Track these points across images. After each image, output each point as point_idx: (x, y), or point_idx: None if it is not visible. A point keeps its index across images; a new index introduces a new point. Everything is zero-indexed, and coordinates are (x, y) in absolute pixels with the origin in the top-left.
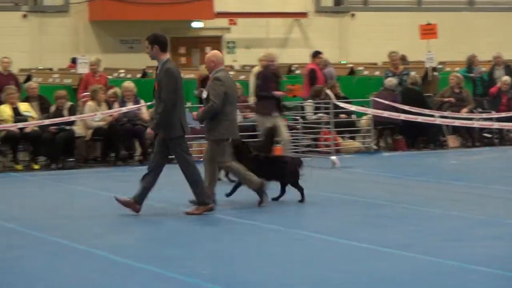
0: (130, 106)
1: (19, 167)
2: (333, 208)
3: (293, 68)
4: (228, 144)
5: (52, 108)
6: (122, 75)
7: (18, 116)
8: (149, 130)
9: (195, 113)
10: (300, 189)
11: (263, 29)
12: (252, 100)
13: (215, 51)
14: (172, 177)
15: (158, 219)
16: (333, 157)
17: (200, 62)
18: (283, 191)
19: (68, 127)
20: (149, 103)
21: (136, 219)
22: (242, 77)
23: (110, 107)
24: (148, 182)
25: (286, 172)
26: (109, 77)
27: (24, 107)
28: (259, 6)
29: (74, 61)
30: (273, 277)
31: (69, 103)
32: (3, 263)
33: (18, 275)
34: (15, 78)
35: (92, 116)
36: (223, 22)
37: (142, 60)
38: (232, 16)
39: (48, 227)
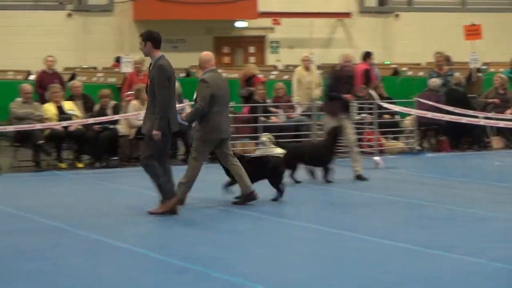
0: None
1: (63, 165)
2: (376, 208)
3: (336, 69)
4: (207, 144)
5: (96, 107)
6: None
7: (62, 114)
8: (155, 132)
9: (184, 114)
10: (281, 190)
11: (306, 29)
12: (296, 99)
13: (206, 52)
14: (211, 176)
15: (200, 219)
16: (377, 158)
17: (243, 62)
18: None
19: (111, 126)
20: (192, 102)
21: (178, 219)
22: (285, 77)
23: None
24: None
25: (268, 172)
26: None
27: (68, 105)
28: (302, 6)
29: (118, 60)
30: (317, 278)
31: (113, 102)
32: (47, 261)
33: (61, 273)
34: (59, 77)
35: (136, 115)
36: (266, 22)
37: (186, 60)
38: (275, 16)
39: (91, 225)
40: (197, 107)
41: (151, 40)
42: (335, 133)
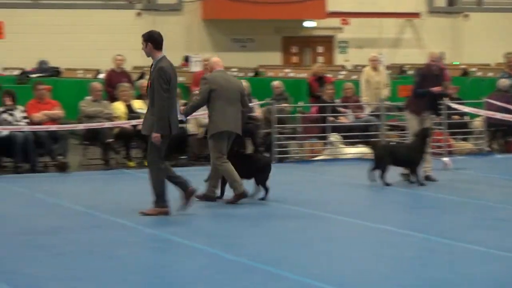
0: None
1: (131, 164)
2: (446, 210)
3: (405, 69)
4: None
5: None
6: (234, 73)
7: (131, 113)
8: (154, 135)
9: (182, 107)
10: (266, 189)
11: (375, 29)
12: (364, 100)
13: (216, 58)
14: (288, 177)
15: (267, 219)
16: (445, 159)
17: (311, 62)
18: (264, 189)
19: (180, 125)
20: (261, 101)
21: (247, 218)
22: (354, 77)
23: None
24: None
25: (255, 170)
26: None
27: (137, 104)
28: (372, 6)
29: (186, 59)
30: (386, 278)
31: (182, 101)
32: (117, 259)
33: (132, 271)
34: (128, 76)
35: (204, 114)
36: (335, 21)
37: (254, 59)
38: (344, 15)
39: (160, 223)
40: (193, 100)
41: (151, 41)
42: (424, 135)
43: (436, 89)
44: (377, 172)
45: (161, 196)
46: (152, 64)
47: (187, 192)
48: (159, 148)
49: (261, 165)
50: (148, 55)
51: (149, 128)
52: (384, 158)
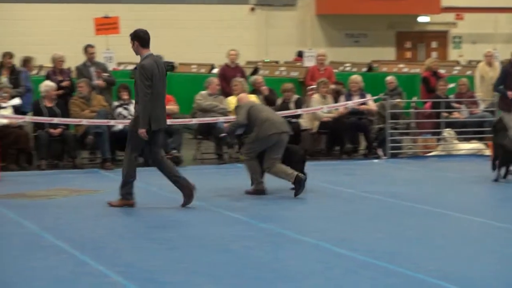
0: (356, 100)
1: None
2: None
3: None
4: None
5: (279, 101)
6: (347, 68)
7: None
8: (140, 131)
9: (226, 124)
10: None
11: (490, 24)
12: (479, 95)
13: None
14: (401, 172)
15: (381, 213)
16: None
17: (425, 57)
18: None
19: (294, 120)
20: (375, 97)
21: (359, 212)
22: (468, 72)
23: (336, 101)
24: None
25: (293, 161)
26: (335, 70)
27: (251, 99)
28: (486, 1)
29: (299, 54)
30: (502, 277)
31: (295, 96)
32: (231, 253)
33: (247, 265)
34: (241, 71)
35: (319, 109)
36: (449, 16)
37: (368, 54)
38: (459, 11)
39: (272, 218)
40: (233, 121)
41: (137, 39)
42: None
43: (510, 94)
44: (502, 170)
45: (126, 186)
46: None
47: (186, 191)
48: (138, 142)
49: (298, 157)
50: (136, 53)
51: (133, 125)
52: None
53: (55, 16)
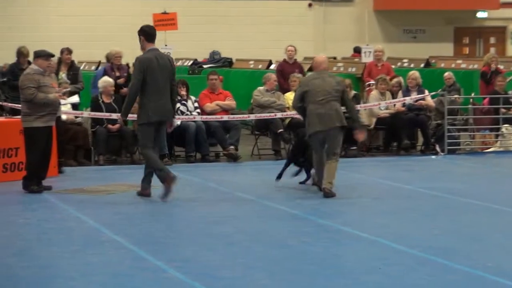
0: (414, 96)
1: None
2: None
3: None
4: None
5: None
6: (405, 64)
7: None
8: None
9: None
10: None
11: None
12: None
13: (320, 57)
14: (459, 169)
15: (442, 211)
16: None
17: (484, 53)
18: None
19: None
20: (433, 93)
21: (419, 210)
22: None
23: (393, 97)
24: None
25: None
26: (393, 66)
27: None
28: None
29: (357, 50)
30: None
31: (353, 92)
32: (289, 249)
33: (305, 260)
34: (300, 66)
35: (376, 105)
36: (508, 12)
37: (425, 50)
38: None
39: (331, 214)
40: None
41: (142, 34)
42: None
43: None
44: None
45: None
46: None
47: (167, 180)
48: (143, 135)
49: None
50: (142, 47)
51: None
52: None
53: (114, 11)
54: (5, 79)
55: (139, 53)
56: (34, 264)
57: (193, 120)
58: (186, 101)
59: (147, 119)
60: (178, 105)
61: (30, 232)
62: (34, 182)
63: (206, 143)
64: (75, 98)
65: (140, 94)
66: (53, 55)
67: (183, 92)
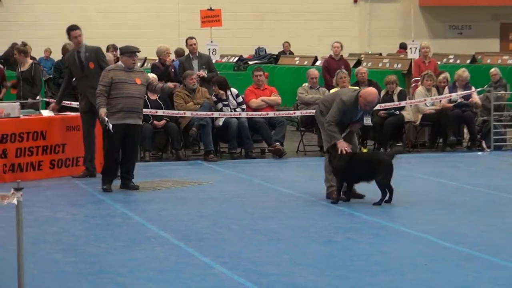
0: (460, 92)
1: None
2: None
3: None
4: None
5: (382, 93)
6: (451, 60)
7: None
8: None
9: None
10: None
11: None
12: None
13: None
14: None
15: (488, 207)
16: None
17: None
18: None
19: (397, 112)
20: (479, 89)
21: (464, 206)
22: None
23: (439, 93)
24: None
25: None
26: (438, 62)
27: None
28: None
29: (402, 46)
30: None
31: (399, 88)
32: (335, 245)
33: (350, 257)
34: (346, 63)
35: (422, 101)
36: None
37: (471, 46)
38: None
39: (376, 210)
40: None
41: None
42: None
43: None
44: None
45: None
46: None
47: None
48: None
49: (383, 166)
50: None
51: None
52: None
53: (159, 8)
54: (51, 76)
55: (185, 50)
56: (81, 260)
57: (236, 116)
58: (227, 99)
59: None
60: (220, 105)
61: (77, 228)
62: (106, 180)
63: (250, 139)
64: None
65: None
66: (137, 51)
67: (221, 91)
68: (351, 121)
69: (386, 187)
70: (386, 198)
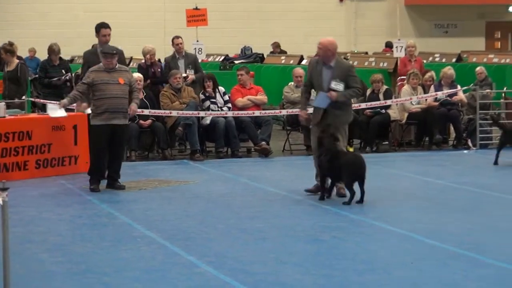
0: (445, 91)
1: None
2: None
3: None
4: None
5: (368, 92)
6: (437, 59)
7: None
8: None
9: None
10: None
11: None
12: None
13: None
14: (490, 163)
15: (475, 206)
16: None
17: None
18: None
19: (383, 111)
20: (465, 87)
21: (449, 205)
22: None
23: (425, 91)
24: None
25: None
26: (424, 61)
27: None
28: None
29: (388, 45)
30: None
31: (385, 87)
32: (320, 243)
33: (338, 255)
34: None
35: (408, 100)
36: None
37: (457, 44)
38: None
39: (362, 209)
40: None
41: None
42: None
43: None
44: None
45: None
46: None
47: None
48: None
49: (345, 166)
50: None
51: None
52: None
53: (145, 8)
54: (37, 76)
55: (171, 49)
56: (68, 260)
57: (224, 116)
58: (215, 97)
59: None
60: (207, 103)
61: (63, 228)
62: (94, 180)
63: (236, 138)
64: None
65: None
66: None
67: (209, 89)
68: (322, 83)
69: (348, 188)
70: (358, 199)
